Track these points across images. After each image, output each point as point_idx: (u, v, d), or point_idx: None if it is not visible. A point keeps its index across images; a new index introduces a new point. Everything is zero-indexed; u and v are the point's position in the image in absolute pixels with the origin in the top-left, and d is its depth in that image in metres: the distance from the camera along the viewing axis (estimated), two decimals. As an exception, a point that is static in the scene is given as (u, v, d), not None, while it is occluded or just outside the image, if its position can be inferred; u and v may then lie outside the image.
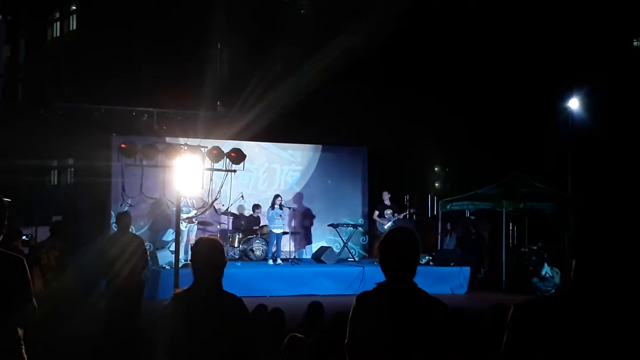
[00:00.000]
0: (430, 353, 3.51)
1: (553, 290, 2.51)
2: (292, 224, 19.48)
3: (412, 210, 18.62)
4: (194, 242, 4.38)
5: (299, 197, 20.26)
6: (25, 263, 4.64)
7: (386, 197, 18.19)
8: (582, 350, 2.30)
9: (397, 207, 18.34)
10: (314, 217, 20.20)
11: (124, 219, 10.28)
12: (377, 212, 18.21)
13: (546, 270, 17.40)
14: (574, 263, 2.45)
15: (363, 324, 3.60)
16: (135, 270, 9.85)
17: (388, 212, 17.91)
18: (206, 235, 16.42)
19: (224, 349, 4.02)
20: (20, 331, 4.66)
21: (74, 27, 29.67)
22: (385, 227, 17.22)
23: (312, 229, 20.21)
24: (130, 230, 10.66)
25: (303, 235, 20.22)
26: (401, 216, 18.04)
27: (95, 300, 9.34)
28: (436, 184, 23.76)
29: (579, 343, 2.30)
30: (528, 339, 2.37)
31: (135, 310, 9.93)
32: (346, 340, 3.68)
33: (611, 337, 2.29)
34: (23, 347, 4.68)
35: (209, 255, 4.14)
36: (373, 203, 20.49)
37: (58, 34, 30.78)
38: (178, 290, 4.25)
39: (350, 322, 3.66)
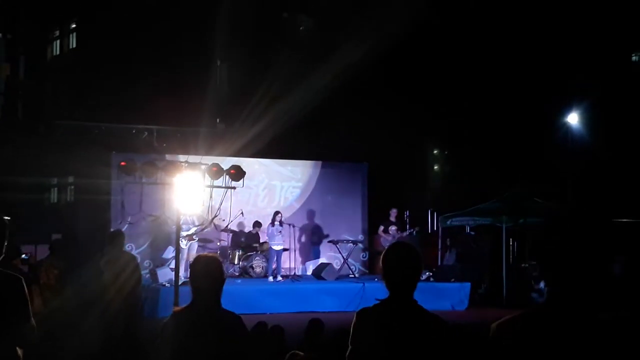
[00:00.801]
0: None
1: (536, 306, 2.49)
2: (292, 241, 19.44)
3: (417, 228, 18.62)
4: (192, 260, 4.36)
5: (298, 213, 20.25)
6: (24, 282, 4.63)
7: (393, 214, 18.23)
8: None
9: (401, 224, 18.35)
10: (313, 233, 20.18)
11: (118, 237, 10.27)
12: (382, 228, 18.21)
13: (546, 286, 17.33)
14: (547, 281, 2.45)
15: (363, 340, 3.60)
16: (133, 291, 9.85)
17: (392, 228, 17.91)
18: (206, 252, 16.41)
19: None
20: (19, 350, 4.64)
21: (74, 45, 29.78)
22: (389, 243, 17.18)
23: (312, 245, 20.19)
24: (127, 248, 10.66)
25: (303, 251, 20.20)
26: (405, 234, 18.01)
27: (94, 319, 9.31)
28: (435, 199, 23.72)
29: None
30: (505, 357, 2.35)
31: (133, 329, 9.92)
32: (347, 354, 3.68)
33: (580, 353, 2.27)
34: None
35: (207, 273, 4.13)
36: (373, 219, 20.48)
37: (58, 52, 30.90)
38: (177, 308, 4.23)
39: (351, 338, 3.65)
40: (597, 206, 19.85)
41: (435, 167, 24.42)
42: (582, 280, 2.33)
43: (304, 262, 20.13)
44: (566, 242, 2.36)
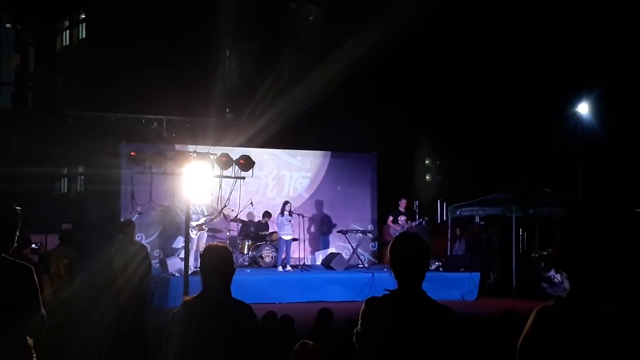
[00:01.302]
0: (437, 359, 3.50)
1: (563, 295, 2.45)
2: (302, 231, 19.46)
3: (426, 218, 18.59)
4: (202, 250, 4.37)
5: (308, 203, 20.28)
6: (34, 272, 4.64)
7: (402, 204, 18.22)
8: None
9: (411, 214, 18.33)
10: (323, 223, 20.21)
11: (130, 227, 10.29)
12: (391, 218, 18.20)
13: (555, 275, 17.32)
14: (568, 275, 2.41)
15: (371, 328, 3.60)
16: (142, 280, 9.88)
17: (402, 218, 17.90)
18: (215, 242, 16.44)
19: (233, 356, 4.01)
20: (30, 340, 4.66)
21: (84, 36, 29.81)
22: (397, 233, 17.19)
23: (321, 235, 20.22)
24: (137, 238, 10.67)
25: (312, 241, 20.23)
26: (414, 223, 17.99)
27: (104, 309, 9.35)
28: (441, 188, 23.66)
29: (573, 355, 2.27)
30: (545, 345, 2.34)
31: (142, 318, 9.96)
32: (355, 336, 3.69)
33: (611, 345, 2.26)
34: (34, 355, 4.68)
35: (217, 263, 4.13)
36: (382, 209, 20.49)
37: (67, 43, 30.93)
38: (187, 298, 4.24)
39: (360, 323, 3.66)
40: (607, 197, 19.77)
41: (443, 158, 24.33)
42: (608, 272, 2.31)
43: (313, 252, 20.17)
44: (593, 232, 2.34)
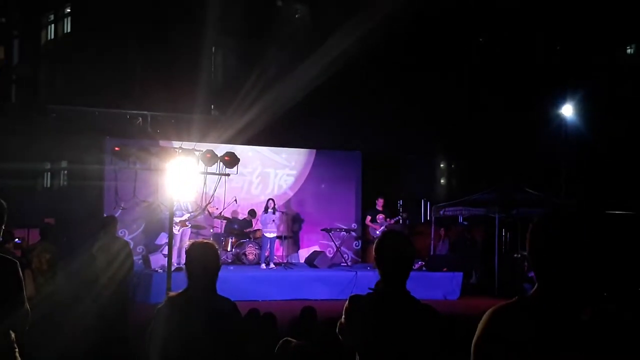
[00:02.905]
0: (420, 358, 3.52)
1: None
2: (285, 228, 19.46)
3: (403, 215, 18.60)
4: (188, 246, 4.36)
5: (292, 201, 20.28)
6: (19, 266, 4.62)
7: (379, 203, 18.19)
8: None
9: (389, 212, 18.31)
10: (307, 221, 20.21)
11: (112, 223, 10.26)
12: (369, 217, 18.17)
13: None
14: (536, 274, 2.42)
15: (354, 326, 3.61)
16: (125, 277, 9.87)
17: (380, 217, 17.90)
18: (199, 239, 16.39)
19: (217, 352, 4.01)
20: (12, 335, 4.64)
21: (68, 30, 29.65)
22: (378, 232, 17.22)
23: (305, 233, 20.22)
24: (120, 234, 10.63)
25: (296, 239, 20.23)
26: (393, 221, 17.99)
27: (87, 304, 9.32)
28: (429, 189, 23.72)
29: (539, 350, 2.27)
30: (495, 347, 2.34)
31: (125, 314, 9.95)
32: (338, 328, 3.70)
33: (567, 348, 2.26)
34: (16, 350, 4.67)
35: (203, 259, 4.14)
36: (366, 208, 20.50)
37: (52, 37, 30.75)
38: (172, 293, 4.24)
39: (343, 318, 3.66)
40: (590, 198, 19.90)
41: (428, 158, 24.41)
42: (575, 273, 2.32)
43: (296, 250, 20.17)
44: (559, 235, 2.35)
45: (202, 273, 4.13)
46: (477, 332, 2.37)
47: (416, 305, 3.61)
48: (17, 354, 4.67)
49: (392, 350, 3.50)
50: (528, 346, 2.24)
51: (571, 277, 2.31)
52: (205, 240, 4.42)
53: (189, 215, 15.77)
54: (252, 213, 18.68)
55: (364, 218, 20.52)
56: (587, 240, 2.32)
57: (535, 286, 2.39)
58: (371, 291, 3.67)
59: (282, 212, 18.29)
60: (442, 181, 24.75)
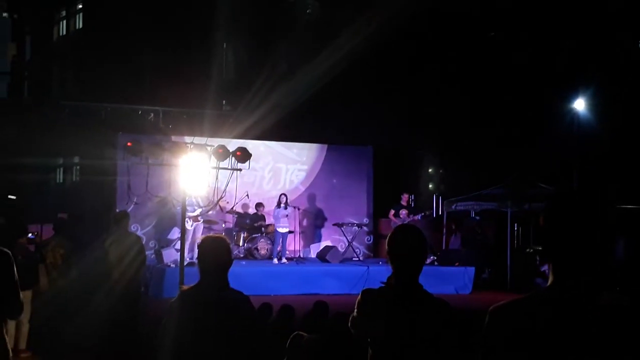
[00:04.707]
0: (432, 353, 3.52)
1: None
2: (297, 223, 19.49)
3: (426, 212, 18.56)
4: (200, 240, 4.38)
5: (304, 196, 20.30)
6: (11, 256, 4.65)
7: (404, 198, 18.12)
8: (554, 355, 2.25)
9: (411, 208, 18.30)
10: (318, 216, 20.24)
11: (125, 219, 10.30)
12: (392, 212, 18.07)
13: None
14: (552, 265, 2.39)
15: (367, 319, 3.62)
16: (137, 273, 9.91)
17: (403, 212, 17.83)
18: (211, 233, 16.45)
19: (231, 346, 4.03)
20: (5, 326, 4.70)
21: (80, 26, 29.76)
22: (397, 226, 17.13)
23: (317, 228, 20.25)
24: (132, 229, 10.67)
25: (308, 234, 20.25)
26: (416, 217, 17.90)
27: (100, 299, 9.37)
28: (438, 184, 23.62)
29: (552, 347, 2.25)
30: (503, 344, 2.32)
31: (137, 309, 10.00)
32: (350, 322, 3.71)
33: (584, 341, 2.25)
34: (7, 339, 4.72)
35: (215, 253, 4.16)
36: (378, 202, 20.51)
37: (64, 33, 30.87)
38: (185, 287, 4.26)
39: (356, 311, 3.67)
40: (600, 190, 19.81)
41: (440, 152, 24.34)
42: (587, 263, 2.30)
43: (308, 245, 20.19)
44: (571, 223, 2.33)
45: (214, 267, 4.15)
46: (488, 324, 2.36)
47: (429, 299, 3.61)
48: (7, 344, 4.72)
49: (405, 344, 3.50)
50: (543, 335, 2.24)
51: (588, 260, 2.29)
52: (217, 235, 4.44)
53: (201, 210, 15.82)
54: (259, 205, 18.67)
55: (375, 213, 20.54)
56: (604, 222, 2.31)
57: (550, 279, 2.37)
58: (383, 285, 3.67)
59: (294, 207, 18.30)
60: (453, 176, 24.68)
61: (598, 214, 2.31)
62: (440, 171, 23.23)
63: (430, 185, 23.06)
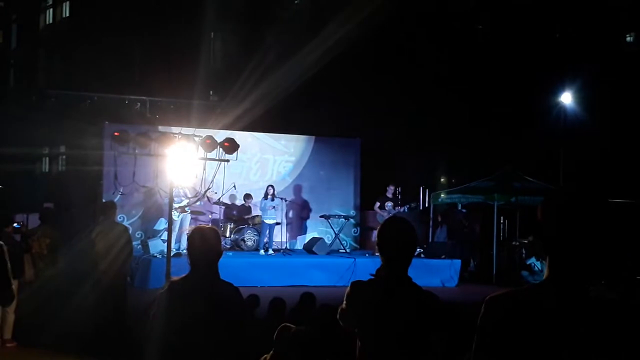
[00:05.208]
0: (422, 345, 3.53)
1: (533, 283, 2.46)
2: (284, 215, 19.47)
3: (413, 204, 18.56)
4: (188, 231, 4.39)
5: (291, 187, 20.28)
6: (3, 245, 4.64)
7: (390, 190, 18.08)
8: (550, 348, 2.26)
9: (398, 200, 18.30)
10: (305, 208, 20.23)
11: (111, 209, 10.26)
12: (378, 204, 18.03)
13: (535, 263, 17.47)
14: (548, 258, 2.41)
15: (356, 311, 3.62)
16: (125, 263, 9.89)
17: (389, 204, 17.80)
18: (198, 224, 16.40)
19: (221, 337, 4.03)
20: None
21: (67, 14, 29.54)
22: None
23: (304, 219, 20.24)
24: (119, 219, 10.64)
25: (295, 226, 20.25)
26: (402, 209, 17.90)
27: (86, 289, 9.34)
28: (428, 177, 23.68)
29: (545, 339, 2.27)
30: (498, 333, 2.34)
31: (124, 300, 9.97)
32: (338, 315, 3.71)
33: (577, 334, 2.26)
34: None
35: (206, 244, 4.15)
36: (365, 195, 20.51)
37: (51, 21, 30.64)
38: (175, 278, 4.25)
39: (345, 303, 3.67)
40: (588, 186, 19.89)
41: (427, 145, 24.38)
42: (583, 258, 2.32)
43: (295, 236, 20.18)
44: (568, 219, 2.34)
45: (203, 258, 4.14)
46: (484, 313, 2.37)
47: (418, 291, 3.61)
48: None
49: (394, 335, 3.51)
50: (538, 327, 2.25)
51: (584, 255, 2.31)
52: (207, 226, 4.43)
53: (187, 201, 15.77)
54: (248, 196, 18.64)
55: (362, 205, 20.53)
56: (602, 219, 2.32)
57: (545, 272, 2.38)
58: (373, 277, 3.67)
59: (282, 199, 18.29)
60: (440, 169, 24.74)
61: (596, 211, 2.33)
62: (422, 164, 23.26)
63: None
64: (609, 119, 21.12)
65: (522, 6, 22.54)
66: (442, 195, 19.68)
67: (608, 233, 2.32)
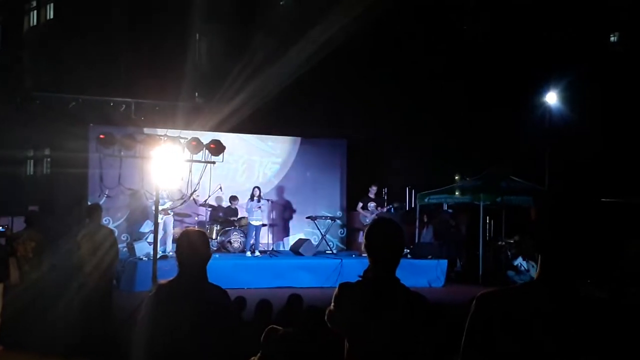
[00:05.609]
0: (410, 346, 3.52)
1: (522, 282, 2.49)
2: (271, 216, 19.47)
3: (395, 204, 18.59)
4: (176, 234, 4.38)
5: (277, 189, 20.27)
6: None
7: (372, 191, 18.08)
8: (537, 345, 2.28)
9: (380, 200, 18.31)
10: (292, 209, 20.23)
11: (97, 211, 10.20)
12: (360, 205, 18.05)
13: (522, 263, 17.53)
14: (540, 257, 2.43)
15: (344, 313, 3.61)
16: (110, 266, 9.84)
17: (371, 205, 17.81)
18: (184, 226, 16.40)
19: (209, 340, 4.01)
20: None
21: (51, 16, 29.37)
22: (368, 220, 17.15)
23: (291, 221, 20.24)
24: (104, 222, 10.58)
25: (281, 227, 20.24)
26: (384, 210, 17.94)
27: (71, 294, 9.29)
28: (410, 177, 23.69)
29: (535, 336, 2.28)
30: (489, 331, 2.35)
31: (109, 302, 9.93)
32: (327, 315, 3.70)
33: (567, 332, 2.28)
34: None
35: (194, 247, 4.13)
36: (351, 196, 20.52)
37: (35, 23, 30.45)
38: (163, 281, 4.23)
39: (333, 305, 3.66)
40: (574, 186, 19.98)
41: (413, 145, 24.41)
42: (575, 259, 2.34)
43: (282, 238, 20.17)
44: (562, 221, 2.36)
45: (192, 261, 4.12)
46: (475, 310, 2.38)
47: (406, 292, 3.61)
48: None
49: (383, 337, 3.50)
50: (529, 324, 2.26)
51: (576, 256, 2.33)
52: (195, 228, 4.43)
53: (170, 203, 15.68)
54: (233, 198, 18.62)
55: (349, 206, 20.54)
56: (595, 222, 2.34)
57: (537, 271, 2.40)
58: (360, 279, 3.66)
59: (268, 200, 18.26)
60: (426, 169, 24.78)
61: (587, 212, 2.35)
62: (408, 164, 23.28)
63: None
64: (595, 119, 21.21)
65: (505, 6, 22.63)
66: (429, 196, 19.72)
67: (599, 233, 2.34)
